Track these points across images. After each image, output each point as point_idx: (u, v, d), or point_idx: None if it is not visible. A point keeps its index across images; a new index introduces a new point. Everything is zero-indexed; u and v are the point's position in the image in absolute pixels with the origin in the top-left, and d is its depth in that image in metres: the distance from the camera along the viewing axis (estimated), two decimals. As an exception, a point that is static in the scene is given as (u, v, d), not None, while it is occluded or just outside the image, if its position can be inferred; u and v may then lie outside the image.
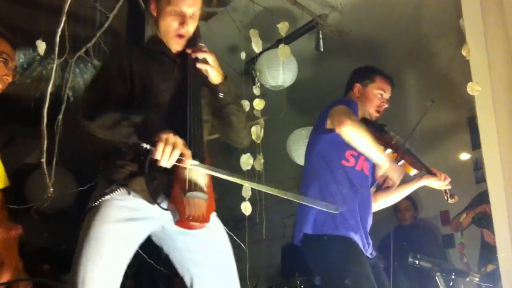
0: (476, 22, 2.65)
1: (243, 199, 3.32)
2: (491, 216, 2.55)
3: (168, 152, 1.60)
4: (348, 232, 2.40)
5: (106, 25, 3.36)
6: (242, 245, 3.00)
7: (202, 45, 1.90)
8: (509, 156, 2.50)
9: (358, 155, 2.53)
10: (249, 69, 4.35)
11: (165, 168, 1.66)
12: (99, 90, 1.82)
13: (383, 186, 2.46)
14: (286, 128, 4.74)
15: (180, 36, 1.91)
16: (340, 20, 4.22)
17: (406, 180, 2.80)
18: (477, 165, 4.30)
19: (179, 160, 1.63)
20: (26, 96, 3.30)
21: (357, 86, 2.73)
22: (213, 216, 1.88)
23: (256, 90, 3.60)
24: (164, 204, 1.73)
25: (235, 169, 3.07)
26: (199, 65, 1.86)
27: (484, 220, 3.53)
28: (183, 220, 1.63)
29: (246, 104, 3.52)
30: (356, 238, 2.42)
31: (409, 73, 4.93)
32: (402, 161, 2.64)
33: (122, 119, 1.70)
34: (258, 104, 3.52)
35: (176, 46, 1.93)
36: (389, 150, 2.60)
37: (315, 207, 2.25)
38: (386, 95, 2.72)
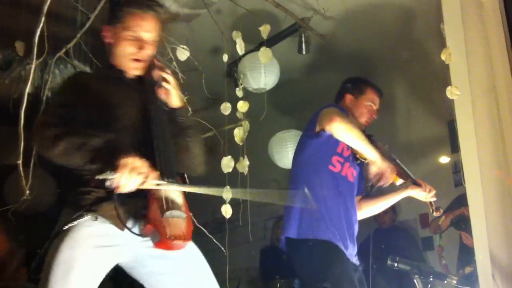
0: (456, 27, 2.68)
1: (224, 202, 3.31)
2: (469, 219, 2.58)
3: (128, 178, 1.58)
4: (332, 237, 2.41)
5: (87, 25, 3.32)
6: (222, 248, 3.00)
7: (162, 66, 1.89)
8: (487, 160, 2.53)
9: (344, 162, 2.56)
10: (232, 72, 4.34)
11: (135, 193, 1.64)
12: (55, 115, 1.78)
13: (378, 184, 2.46)
14: (267, 130, 4.74)
15: (138, 60, 1.88)
16: (323, 24, 4.24)
17: (391, 190, 2.83)
18: (456, 168, 4.35)
19: (143, 183, 1.62)
20: (5, 97, 3.25)
21: (349, 97, 2.77)
22: None
23: (239, 93, 3.59)
24: (136, 229, 1.71)
25: (216, 171, 3.06)
26: (164, 84, 1.84)
27: (463, 223, 3.58)
28: (164, 240, 1.61)
29: (228, 106, 3.51)
30: (340, 243, 2.43)
31: (391, 76, 4.97)
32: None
33: (81, 144, 1.67)
34: (242, 106, 3.51)
35: (134, 70, 1.91)
36: None
37: (296, 205, 2.26)
38: (376, 107, 2.77)
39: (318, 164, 2.54)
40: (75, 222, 1.69)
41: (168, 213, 1.64)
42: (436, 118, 4.63)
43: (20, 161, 2.15)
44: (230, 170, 3.38)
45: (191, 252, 1.84)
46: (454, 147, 4.31)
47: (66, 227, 1.69)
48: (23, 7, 3.34)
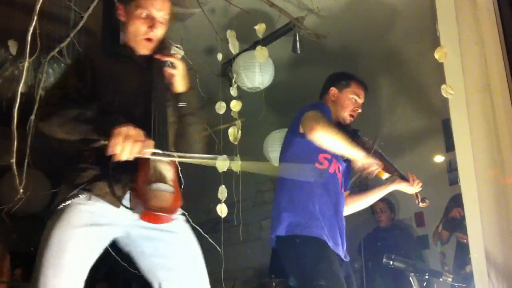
0: (451, 25, 2.68)
1: (220, 201, 3.30)
2: (462, 219, 2.60)
3: (128, 145, 1.57)
4: (321, 234, 2.41)
5: (80, 24, 3.31)
6: (218, 247, 2.99)
7: (174, 52, 1.89)
8: (482, 158, 2.54)
9: (331, 158, 2.56)
10: (226, 71, 4.34)
11: (129, 168, 1.64)
12: (56, 91, 1.82)
13: (362, 175, 2.48)
14: (262, 129, 4.74)
15: (149, 39, 1.89)
16: (317, 23, 4.24)
17: (378, 184, 2.83)
18: (451, 167, 4.36)
19: (140, 151, 1.60)
20: (-2, 96, 3.24)
21: (333, 90, 2.77)
22: (180, 219, 1.87)
23: (233, 92, 3.58)
24: (129, 205, 1.71)
25: (212, 171, 3.05)
26: (167, 69, 1.84)
27: (456, 223, 3.58)
28: (148, 212, 1.60)
29: (222, 106, 3.50)
30: (329, 239, 2.43)
31: (385, 75, 4.98)
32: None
33: (78, 115, 1.68)
34: (235, 105, 3.51)
35: (143, 50, 1.91)
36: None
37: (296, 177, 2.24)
38: (360, 100, 2.77)
39: (304, 162, 2.54)
40: (69, 202, 1.69)
41: (154, 185, 1.62)
42: (430, 116, 4.63)
43: (13, 160, 2.13)
44: (225, 169, 3.37)
45: (184, 239, 1.85)
46: (449, 146, 4.32)
47: (60, 207, 1.69)
48: (17, 6, 3.33)
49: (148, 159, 1.64)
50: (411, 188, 2.75)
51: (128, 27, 1.91)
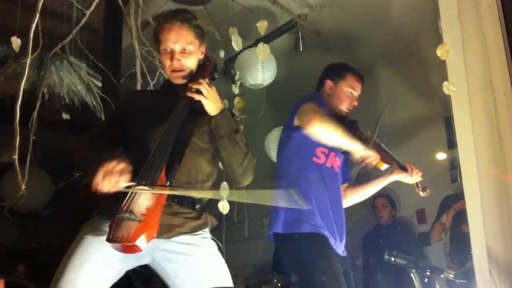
0: (453, 23, 2.68)
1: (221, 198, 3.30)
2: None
3: (103, 180, 1.67)
4: (318, 229, 2.40)
5: (82, 22, 3.32)
6: (220, 244, 2.99)
7: (202, 80, 1.90)
8: (484, 155, 2.54)
9: (329, 152, 2.55)
10: (228, 68, 4.34)
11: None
12: (101, 128, 2.07)
13: (362, 165, 2.47)
14: (264, 127, 4.74)
15: (175, 71, 1.96)
16: (319, 20, 4.24)
17: (377, 175, 2.82)
18: (453, 164, 4.36)
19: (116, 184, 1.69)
20: (1, 93, 3.24)
21: (328, 83, 2.72)
22: (204, 242, 1.89)
23: (236, 89, 3.58)
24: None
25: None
26: (190, 94, 1.87)
27: (463, 216, 3.56)
28: (108, 240, 1.64)
29: (225, 103, 3.50)
30: (327, 234, 2.43)
31: (386, 72, 4.97)
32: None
33: (91, 155, 1.82)
34: (238, 102, 3.51)
35: (177, 81, 1.98)
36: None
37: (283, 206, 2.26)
38: (356, 93, 2.71)
39: (302, 156, 2.52)
40: (94, 219, 1.82)
41: (119, 215, 1.66)
42: (432, 114, 4.63)
43: (15, 156, 2.14)
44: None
45: (201, 259, 1.85)
46: (451, 143, 4.32)
47: (87, 223, 1.83)
48: (19, 3, 3.33)
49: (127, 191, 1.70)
50: (411, 178, 2.72)
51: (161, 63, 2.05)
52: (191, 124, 1.92)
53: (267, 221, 5.60)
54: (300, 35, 4.16)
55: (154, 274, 1.90)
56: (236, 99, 3.50)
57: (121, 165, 1.69)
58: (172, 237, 1.81)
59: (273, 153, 4.72)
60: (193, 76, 1.95)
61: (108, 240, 1.62)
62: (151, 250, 1.80)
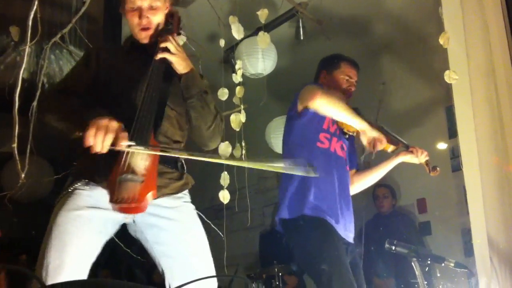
0: (455, 10, 2.66)
1: (222, 188, 3.31)
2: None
3: (100, 137, 1.60)
4: (324, 215, 2.41)
5: (82, 10, 3.29)
6: (221, 234, 3.00)
7: (170, 37, 1.88)
8: (485, 145, 2.53)
9: (331, 137, 2.57)
10: (229, 57, 4.32)
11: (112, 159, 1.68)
12: (59, 83, 1.90)
13: (375, 151, 2.47)
14: (265, 116, 4.73)
15: (143, 29, 1.93)
16: (320, 8, 4.21)
17: (383, 158, 2.81)
18: (454, 154, 4.36)
19: (115, 144, 1.63)
20: (0, 82, 3.23)
21: (323, 72, 2.78)
22: (185, 206, 1.89)
23: (237, 78, 3.57)
24: None
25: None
26: (160, 54, 1.85)
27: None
28: (112, 202, 1.61)
29: (225, 92, 3.49)
30: (332, 220, 2.44)
31: (388, 61, 4.95)
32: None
33: (68, 106, 1.76)
34: (239, 92, 3.49)
35: (144, 39, 1.95)
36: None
37: (296, 173, 2.23)
38: (353, 79, 2.75)
39: (307, 143, 2.55)
40: (70, 189, 1.76)
41: (121, 176, 1.63)
42: (433, 103, 4.62)
43: (15, 145, 2.13)
44: (228, 155, 3.37)
45: (187, 226, 1.87)
46: (452, 133, 4.31)
47: (63, 193, 1.77)
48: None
49: (123, 151, 1.66)
50: (417, 159, 2.71)
51: (128, 21, 1.98)
52: (167, 85, 1.90)
53: (267, 210, 5.64)
54: (300, 24, 4.14)
55: (155, 264, 1.90)
56: (237, 88, 3.49)
57: (114, 123, 1.64)
58: (157, 198, 1.78)
59: (274, 142, 4.72)
60: (160, 33, 1.92)
61: (113, 202, 1.60)
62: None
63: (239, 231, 4.55)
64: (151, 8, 1.92)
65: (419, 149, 2.72)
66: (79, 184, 1.77)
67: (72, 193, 1.76)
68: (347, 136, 2.65)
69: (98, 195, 1.74)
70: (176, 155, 1.85)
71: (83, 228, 1.70)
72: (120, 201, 1.60)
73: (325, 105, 2.41)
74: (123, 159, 1.66)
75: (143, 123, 1.72)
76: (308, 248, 2.37)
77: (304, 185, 2.46)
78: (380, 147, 2.46)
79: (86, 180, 1.78)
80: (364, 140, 2.48)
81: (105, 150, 1.62)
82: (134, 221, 1.83)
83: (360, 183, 2.83)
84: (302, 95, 2.53)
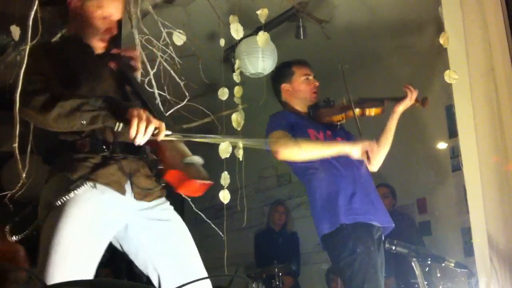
0: (455, 10, 2.66)
1: (222, 188, 3.30)
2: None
3: (143, 127, 1.58)
4: (358, 217, 2.43)
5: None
6: (221, 233, 3.00)
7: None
8: (485, 144, 2.53)
9: (318, 132, 2.59)
10: (229, 57, 4.31)
11: (126, 154, 1.71)
12: (42, 81, 1.75)
13: (372, 161, 2.46)
14: (265, 116, 4.73)
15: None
16: (321, 7, 4.21)
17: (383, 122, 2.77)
18: (454, 153, 4.36)
19: (154, 134, 1.62)
20: (1, 82, 3.23)
21: (284, 86, 2.79)
22: (170, 208, 1.89)
23: (236, 78, 3.57)
24: (129, 188, 1.74)
25: (214, 157, 3.05)
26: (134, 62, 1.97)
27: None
28: (192, 182, 1.66)
29: (225, 91, 3.49)
30: (369, 217, 2.45)
31: (387, 60, 4.95)
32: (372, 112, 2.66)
33: (82, 104, 1.64)
34: (238, 91, 3.49)
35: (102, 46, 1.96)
36: (357, 110, 2.61)
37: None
38: (311, 76, 2.77)
39: (307, 163, 2.55)
40: (72, 194, 1.67)
41: (188, 158, 1.70)
42: (433, 102, 4.62)
43: (15, 145, 2.13)
44: (228, 155, 3.37)
45: (176, 224, 1.87)
46: (452, 132, 4.31)
47: (64, 198, 1.67)
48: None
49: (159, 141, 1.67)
50: (409, 102, 2.68)
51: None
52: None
53: (267, 210, 5.62)
54: (301, 23, 4.13)
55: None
56: (236, 88, 3.49)
57: (148, 113, 1.64)
58: (152, 200, 1.81)
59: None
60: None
61: (192, 181, 1.66)
62: (129, 214, 1.78)
63: (239, 231, 4.55)
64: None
65: (409, 90, 2.67)
66: (82, 188, 1.69)
67: (74, 201, 1.68)
68: (339, 127, 2.66)
69: (107, 198, 1.72)
70: (206, 140, 1.89)
71: (91, 238, 1.67)
72: (202, 178, 1.68)
73: (296, 156, 2.47)
74: (171, 146, 1.70)
75: (160, 112, 1.77)
76: (344, 254, 2.38)
77: (330, 197, 2.46)
78: (372, 154, 2.44)
79: (94, 183, 1.71)
80: (356, 157, 2.45)
81: (144, 141, 1.61)
82: (127, 226, 1.80)
83: (378, 155, 2.73)
84: (271, 145, 2.52)
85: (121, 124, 1.61)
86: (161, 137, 1.63)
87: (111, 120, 1.63)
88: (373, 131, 2.73)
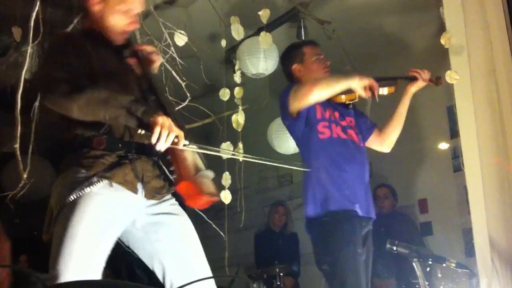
0: (456, 10, 2.66)
1: (223, 188, 3.31)
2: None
3: (165, 135, 1.60)
4: (347, 204, 2.44)
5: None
6: (222, 233, 3.00)
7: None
8: (486, 144, 2.53)
9: (329, 124, 2.57)
10: (230, 57, 4.32)
11: (140, 155, 1.73)
12: (63, 71, 1.72)
13: (377, 96, 2.45)
14: (267, 116, 4.73)
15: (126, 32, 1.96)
16: (322, 8, 4.21)
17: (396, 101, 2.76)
18: (455, 154, 4.35)
19: (173, 142, 1.64)
20: (2, 83, 3.23)
21: (295, 67, 2.75)
22: (173, 200, 1.91)
23: (237, 78, 3.57)
24: (140, 188, 1.77)
25: (215, 157, 3.06)
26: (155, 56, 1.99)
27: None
28: (200, 196, 1.68)
29: (227, 92, 3.49)
30: (356, 205, 2.46)
31: (389, 61, 4.95)
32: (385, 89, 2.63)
33: (110, 98, 1.65)
34: (238, 92, 3.50)
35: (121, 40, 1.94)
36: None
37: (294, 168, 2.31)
38: (321, 55, 2.76)
39: (309, 139, 2.56)
40: (88, 189, 1.67)
41: (202, 173, 1.71)
42: (434, 102, 4.61)
43: (17, 145, 2.13)
44: (229, 156, 3.37)
45: (182, 221, 1.89)
46: (453, 133, 4.31)
47: (79, 194, 1.67)
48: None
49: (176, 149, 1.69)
50: (422, 82, 2.65)
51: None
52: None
53: (268, 211, 5.60)
54: (302, 24, 4.13)
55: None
56: (236, 89, 3.50)
57: (171, 121, 1.65)
58: (161, 199, 1.84)
59: (275, 143, 4.71)
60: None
61: (201, 195, 1.68)
62: (138, 213, 1.80)
63: (240, 231, 4.55)
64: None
65: (420, 71, 2.65)
66: (97, 185, 1.69)
67: (88, 197, 1.67)
68: (351, 106, 2.64)
69: (120, 197, 1.73)
70: (213, 153, 1.88)
71: (100, 240, 1.69)
72: (209, 194, 1.69)
73: (313, 98, 2.44)
74: (186, 156, 1.72)
75: (179, 121, 1.76)
76: (330, 245, 2.39)
77: (321, 179, 2.47)
78: (377, 90, 2.44)
79: (109, 181, 1.71)
80: (362, 94, 2.45)
81: (165, 148, 1.64)
82: (134, 221, 1.82)
83: (390, 136, 2.76)
84: (291, 101, 2.52)
85: (143, 131, 1.63)
86: (180, 146, 1.66)
87: (133, 122, 1.64)
88: (385, 112, 2.72)
